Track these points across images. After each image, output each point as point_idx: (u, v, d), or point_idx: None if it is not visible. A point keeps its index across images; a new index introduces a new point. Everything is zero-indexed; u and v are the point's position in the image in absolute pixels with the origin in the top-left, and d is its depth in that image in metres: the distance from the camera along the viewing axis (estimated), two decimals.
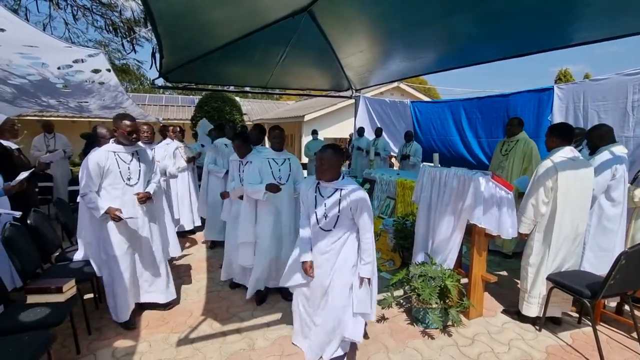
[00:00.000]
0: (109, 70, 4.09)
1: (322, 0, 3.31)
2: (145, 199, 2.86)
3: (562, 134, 2.83)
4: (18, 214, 2.70)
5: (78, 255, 3.05)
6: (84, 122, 13.93)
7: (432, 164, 4.22)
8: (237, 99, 13.37)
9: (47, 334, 1.95)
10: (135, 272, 2.91)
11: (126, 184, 2.79)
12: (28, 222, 2.94)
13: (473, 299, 3.04)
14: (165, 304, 3.11)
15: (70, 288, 2.36)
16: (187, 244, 5.01)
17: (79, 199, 2.85)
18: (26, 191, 3.18)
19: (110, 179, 2.73)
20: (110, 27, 11.54)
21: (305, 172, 8.91)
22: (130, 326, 2.84)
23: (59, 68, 3.77)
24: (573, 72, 20.41)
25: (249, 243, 3.23)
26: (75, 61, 3.60)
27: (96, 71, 4.02)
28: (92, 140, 6.47)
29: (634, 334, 2.75)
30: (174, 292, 3.19)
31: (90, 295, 3.17)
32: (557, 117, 4.77)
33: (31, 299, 2.27)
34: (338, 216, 2.29)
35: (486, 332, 2.91)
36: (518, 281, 3.23)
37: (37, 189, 4.56)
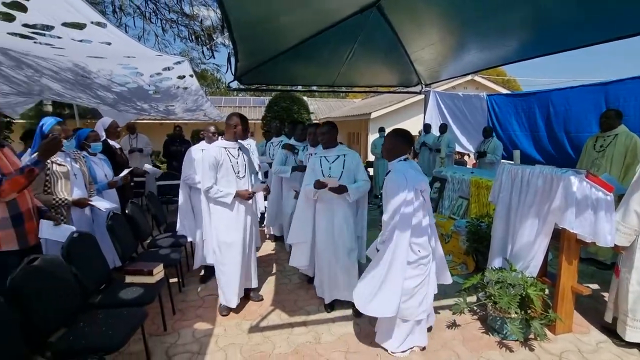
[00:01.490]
0: (191, 76, 4.45)
1: None
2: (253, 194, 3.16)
3: None
4: (114, 206, 3.09)
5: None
6: (169, 123, 15.46)
7: (512, 162, 3.87)
8: (305, 98, 13.71)
9: (142, 310, 2.21)
10: (246, 260, 3.13)
11: (236, 176, 3.04)
12: (126, 212, 3.35)
13: (560, 312, 2.72)
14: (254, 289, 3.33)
15: (159, 272, 2.64)
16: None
17: (202, 195, 3.01)
18: (124, 185, 3.61)
19: (222, 172, 2.98)
20: (193, 36, 12.64)
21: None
22: (223, 313, 3.07)
23: (150, 76, 4.22)
24: None
25: (300, 244, 3.22)
26: (164, 69, 3.99)
27: (181, 77, 4.41)
28: (172, 139, 7.16)
29: None
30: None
31: (175, 280, 3.50)
32: None
33: (128, 279, 2.59)
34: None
35: (576, 350, 2.59)
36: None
37: (132, 184, 5.17)
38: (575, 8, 2.92)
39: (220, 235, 2.99)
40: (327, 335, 2.76)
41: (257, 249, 4.13)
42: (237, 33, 3.41)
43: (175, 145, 6.79)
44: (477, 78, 12.73)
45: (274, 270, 4.03)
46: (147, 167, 5.38)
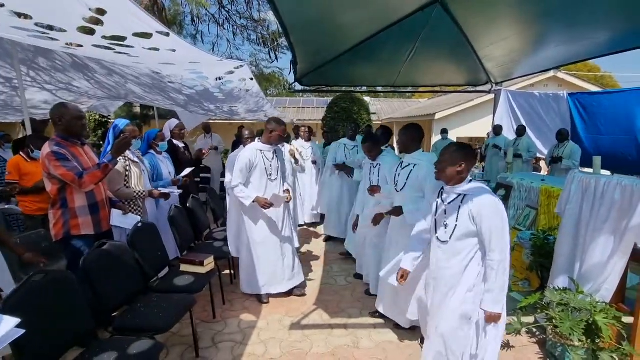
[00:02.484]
0: (251, 79, 4.71)
1: None
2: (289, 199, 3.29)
3: None
4: (179, 191, 3.41)
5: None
6: (237, 123, 16.45)
7: (590, 170, 3.43)
8: (367, 99, 13.58)
9: (191, 297, 2.40)
10: (278, 259, 3.29)
11: (268, 178, 3.18)
12: (187, 205, 3.64)
13: (638, 347, 2.34)
14: (297, 288, 3.43)
15: (209, 263, 2.83)
16: (309, 237, 5.38)
17: (227, 190, 3.34)
18: (187, 182, 3.94)
19: (256, 173, 3.14)
20: (260, 40, 13.30)
21: None
22: (264, 300, 3.27)
23: (216, 79, 4.55)
24: None
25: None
26: (227, 73, 4.27)
27: (242, 80, 4.69)
28: (238, 139, 7.61)
29: None
30: (302, 276, 3.50)
31: (227, 272, 3.73)
32: None
33: (183, 267, 2.82)
34: (456, 225, 1.95)
35: None
36: None
37: (197, 179, 5.60)
38: None
39: (252, 233, 3.17)
40: (367, 341, 2.71)
41: (297, 249, 4.21)
42: (294, 37, 3.48)
43: (239, 145, 7.24)
44: (561, 74, 11.46)
45: (321, 271, 4.08)
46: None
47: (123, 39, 2.49)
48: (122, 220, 2.59)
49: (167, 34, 2.43)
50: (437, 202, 2.11)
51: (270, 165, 3.18)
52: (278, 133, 3.13)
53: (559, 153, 5.70)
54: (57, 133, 2.29)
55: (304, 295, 3.44)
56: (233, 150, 7.52)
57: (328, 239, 5.14)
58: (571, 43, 3.90)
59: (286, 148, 5.33)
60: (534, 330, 2.79)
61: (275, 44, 11.66)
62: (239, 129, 7.55)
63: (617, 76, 22.43)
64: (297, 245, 4.21)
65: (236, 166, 3.08)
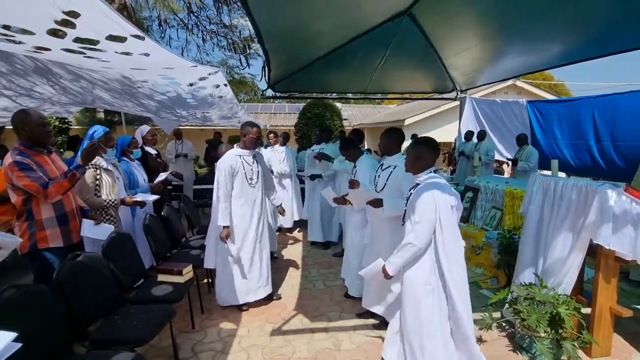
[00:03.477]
0: (225, 85, 4.67)
1: (422, 0, 3.19)
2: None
3: None
4: (156, 197, 3.31)
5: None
6: (209, 129, 16.16)
7: (548, 172, 3.69)
8: (338, 105, 13.79)
9: (171, 307, 2.36)
10: (256, 265, 3.26)
11: (249, 184, 3.17)
12: (162, 214, 3.56)
13: (597, 335, 2.55)
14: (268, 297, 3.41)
15: (188, 272, 2.78)
16: (286, 242, 5.38)
17: (215, 198, 3.16)
18: (161, 188, 3.85)
19: (238, 179, 3.13)
20: (231, 46, 13.18)
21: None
22: (243, 308, 3.24)
23: (188, 85, 4.48)
24: None
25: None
26: (200, 79, 4.22)
27: (216, 86, 4.64)
28: (214, 145, 7.51)
29: None
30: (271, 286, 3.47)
31: (205, 281, 3.67)
32: None
33: (160, 277, 2.76)
34: (406, 210, 2.20)
35: None
36: None
37: (170, 187, 5.47)
38: (617, 7, 2.76)
39: (230, 241, 3.10)
40: (347, 343, 2.77)
41: (272, 254, 4.19)
42: (269, 44, 3.53)
43: (215, 151, 7.11)
44: (519, 83, 12.19)
45: (299, 276, 4.10)
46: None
47: (95, 42, 2.42)
48: (94, 231, 2.50)
49: (143, 38, 2.39)
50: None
51: (251, 170, 3.18)
52: (252, 136, 3.14)
53: (518, 156, 6.07)
54: (20, 141, 2.18)
55: (279, 298, 3.47)
56: (208, 156, 7.45)
57: (312, 244, 5.21)
58: (528, 54, 4.19)
59: (265, 153, 5.35)
60: (504, 324, 2.95)
61: (248, 50, 11.60)
62: (215, 134, 7.45)
63: (568, 84, 24.06)
64: (274, 248, 4.22)
65: (219, 176, 3.06)
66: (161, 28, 12.30)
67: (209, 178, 6.53)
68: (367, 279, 2.45)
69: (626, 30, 3.13)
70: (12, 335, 1.15)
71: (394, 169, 2.80)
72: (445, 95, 6.91)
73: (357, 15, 3.37)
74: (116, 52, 2.70)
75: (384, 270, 2.15)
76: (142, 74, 3.81)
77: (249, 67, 20.51)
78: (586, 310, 2.66)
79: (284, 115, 17.69)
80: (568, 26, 3.30)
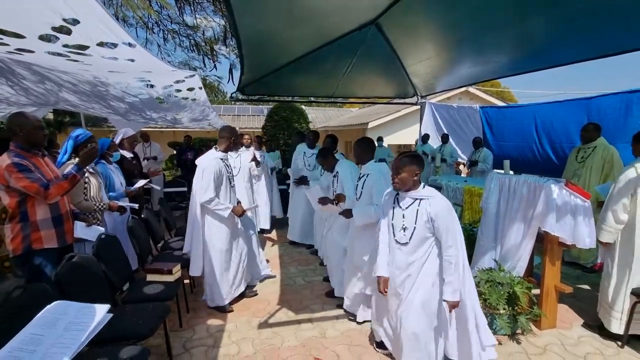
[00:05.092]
0: (200, 88, 4.72)
1: (388, 13, 3.47)
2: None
3: None
4: (136, 205, 3.31)
5: (185, 249, 3.37)
6: (168, 131, 15.70)
7: (502, 171, 4.15)
8: (302, 107, 14.01)
9: (165, 304, 2.43)
10: (237, 267, 3.36)
11: (230, 186, 3.29)
12: (142, 216, 3.57)
13: (545, 309, 2.97)
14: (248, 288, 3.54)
15: (177, 271, 2.86)
16: (263, 243, 5.49)
17: (200, 203, 3.10)
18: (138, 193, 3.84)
19: (222, 182, 3.19)
20: (194, 47, 12.94)
21: None
22: (227, 309, 3.30)
23: (163, 87, 4.48)
24: None
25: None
26: (176, 82, 4.25)
27: (191, 89, 4.68)
28: (184, 148, 7.42)
29: None
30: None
31: (187, 281, 3.71)
32: None
33: (150, 277, 2.81)
34: (415, 228, 2.15)
35: (559, 343, 2.84)
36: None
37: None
38: (562, 28, 3.24)
39: (217, 243, 3.19)
40: (332, 331, 2.98)
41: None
42: (246, 49, 3.65)
43: (185, 154, 7.03)
44: (471, 89, 13.13)
45: (279, 274, 4.25)
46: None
47: (85, 47, 2.45)
48: (86, 232, 2.51)
49: (134, 45, 2.46)
50: (393, 208, 2.30)
51: (231, 173, 3.30)
52: (235, 140, 3.27)
53: (476, 157, 6.64)
54: (16, 143, 2.18)
55: (256, 294, 3.63)
56: (179, 160, 7.31)
57: (291, 243, 5.39)
58: (480, 65, 4.69)
59: (246, 153, 5.38)
60: None
61: (214, 52, 11.46)
62: (185, 137, 7.35)
63: (513, 91, 26.16)
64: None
65: (206, 180, 3.06)
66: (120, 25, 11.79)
67: (179, 181, 6.47)
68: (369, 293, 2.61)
69: (561, 47, 3.66)
70: (106, 307, 1.28)
71: (367, 177, 2.95)
72: (407, 100, 7.39)
73: (328, 24, 3.59)
74: (103, 57, 2.73)
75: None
76: (118, 76, 3.80)
77: (215, 69, 20.09)
78: (535, 291, 3.09)
79: (248, 117, 17.61)
80: (514, 42, 3.80)
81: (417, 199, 2.19)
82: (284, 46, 4.09)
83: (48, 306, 1.28)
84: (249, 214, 3.57)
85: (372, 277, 2.47)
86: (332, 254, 3.53)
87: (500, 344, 2.81)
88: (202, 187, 3.06)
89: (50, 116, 11.48)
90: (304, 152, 5.35)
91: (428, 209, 2.12)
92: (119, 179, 3.52)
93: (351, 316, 3.17)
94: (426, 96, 7.06)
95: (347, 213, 2.95)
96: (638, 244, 2.64)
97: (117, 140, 4.01)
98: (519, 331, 2.92)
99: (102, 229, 2.68)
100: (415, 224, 2.16)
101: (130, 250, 3.06)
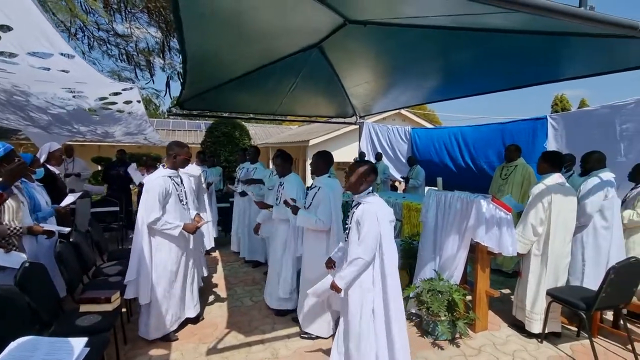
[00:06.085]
0: (139, 102, 4.47)
1: (331, 38, 3.67)
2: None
3: (553, 162, 3.17)
4: (65, 230, 2.97)
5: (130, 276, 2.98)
6: (92, 145, 14.39)
7: (436, 188, 4.53)
8: (243, 123, 13.87)
9: (104, 336, 2.21)
10: (184, 290, 3.17)
11: (182, 206, 3.11)
12: (71, 240, 3.22)
13: (478, 313, 3.27)
14: (194, 318, 3.33)
15: (116, 299, 2.61)
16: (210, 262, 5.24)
17: (146, 225, 2.88)
18: (66, 212, 3.47)
19: (171, 201, 2.99)
20: (124, 56, 12.15)
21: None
22: (172, 338, 3.07)
23: (95, 100, 4.15)
24: (570, 96, 21.02)
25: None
26: (112, 94, 3.98)
27: (128, 102, 4.40)
28: (113, 164, 6.82)
29: (630, 346, 2.97)
30: (199, 306, 3.43)
31: (123, 310, 3.39)
32: (553, 144, 5.14)
33: (84, 307, 2.52)
34: (350, 227, 2.37)
35: (491, 343, 3.13)
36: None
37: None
38: (474, 63, 3.73)
39: (168, 266, 3.00)
40: (284, 350, 2.94)
41: (202, 278, 4.14)
42: (190, 64, 3.57)
43: (116, 170, 6.46)
44: (403, 111, 14.16)
45: (225, 295, 4.09)
46: (87, 186, 5.09)
47: (14, 55, 2.21)
48: (6, 259, 2.20)
49: (73, 57, 2.29)
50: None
51: (182, 191, 3.15)
52: (183, 156, 3.11)
53: (410, 175, 7.15)
54: None
55: (203, 318, 3.47)
56: (107, 176, 6.67)
57: (245, 261, 5.26)
58: (413, 90, 5.18)
59: (193, 170, 5.13)
60: (411, 317, 3.51)
61: (151, 64, 10.86)
62: (119, 152, 6.75)
63: (438, 114, 28.70)
64: (205, 274, 4.08)
65: (150, 199, 2.87)
66: None
67: (110, 200, 5.94)
68: (316, 296, 2.58)
69: (480, 78, 4.21)
70: (84, 340, 1.19)
71: (317, 190, 3.11)
72: (347, 120, 7.75)
73: (274, 45, 3.69)
74: (32, 66, 2.49)
75: (334, 285, 2.28)
76: (44, 86, 3.46)
77: (153, 82, 18.94)
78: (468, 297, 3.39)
79: (184, 132, 16.89)
80: (442, 72, 4.29)
81: (359, 202, 2.38)
82: (228, 63, 4.08)
83: (13, 343, 1.11)
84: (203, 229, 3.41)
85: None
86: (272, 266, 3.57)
87: (442, 349, 3.02)
88: (147, 207, 2.86)
89: None
90: (247, 169, 5.31)
91: (358, 213, 2.31)
92: (43, 198, 3.14)
93: (304, 333, 3.17)
94: (364, 116, 7.47)
95: (295, 209, 3.12)
96: (550, 251, 3.06)
97: (44, 156, 3.59)
98: (457, 336, 3.17)
99: (23, 256, 2.36)
100: (350, 224, 2.38)
101: (57, 278, 2.73)
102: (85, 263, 3.29)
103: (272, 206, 3.65)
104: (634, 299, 3.01)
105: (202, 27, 2.89)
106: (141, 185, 6.92)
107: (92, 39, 12.00)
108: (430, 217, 3.58)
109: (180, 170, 3.21)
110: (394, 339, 2.32)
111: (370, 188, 2.42)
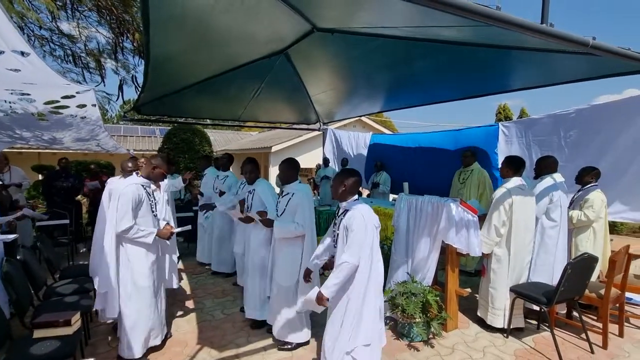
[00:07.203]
0: (94, 106, 4.15)
1: (297, 45, 3.66)
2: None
3: (516, 166, 3.38)
4: (14, 236, 2.68)
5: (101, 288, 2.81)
6: (32, 153, 13.20)
7: (403, 193, 4.65)
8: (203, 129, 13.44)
9: None
10: (160, 302, 2.99)
11: (153, 215, 2.94)
12: (18, 257, 2.89)
13: (450, 312, 3.39)
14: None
15: (76, 321, 2.37)
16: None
17: (117, 234, 2.72)
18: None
19: (142, 210, 2.84)
20: (70, 58, 11.29)
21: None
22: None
23: (45, 103, 3.79)
24: (511, 105, 22.76)
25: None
26: (64, 97, 3.65)
27: (81, 106, 4.06)
28: (57, 173, 6.25)
29: (583, 335, 3.22)
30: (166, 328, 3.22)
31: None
32: (504, 150, 5.49)
33: (38, 333, 2.26)
34: (338, 234, 2.39)
35: (463, 341, 3.25)
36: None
37: None
38: (437, 73, 3.93)
39: (136, 278, 2.81)
40: None
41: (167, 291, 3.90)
42: (151, 66, 3.39)
43: (60, 181, 5.92)
44: (364, 119, 14.50)
45: (193, 309, 3.88)
46: (29, 212, 4.62)
47: None
48: None
49: (28, 54, 2.07)
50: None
51: (153, 200, 2.97)
52: (162, 171, 3.08)
53: (377, 180, 7.29)
54: None
55: (171, 336, 3.27)
56: (49, 187, 6.08)
57: (214, 274, 5.07)
58: (374, 98, 5.38)
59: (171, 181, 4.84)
60: (387, 320, 3.54)
61: (101, 66, 10.17)
62: (61, 160, 6.19)
63: (394, 121, 29.76)
64: (175, 285, 3.83)
65: (123, 207, 2.70)
66: None
67: (58, 212, 5.44)
68: (305, 309, 2.56)
69: (437, 89, 4.45)
70: None
71: (292, 196, 3.07)
72: (310, 126, 7.78)
73: (239, 50, 3.64)
74: None
75: (319, 296, 2.24)
76: None
77: (104, 84, 17.71)
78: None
79: (137, 138, 16.02)
80: (400, 81, 4.49)
81: (345, 209, 2.41)
82: (191, 67, 3.95)
83: None
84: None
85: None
86: (249, 276, 3.46)
87: (418, 350, 3.08)
88: (118, 215, 2.68)
89: None
90: (217, 176, 5.13)
91: (345, 219, 2.33)
92: None
93: (281, 344, 3.08)
94: (328, 123, 7.55)
95: (268, 222, 3.11)
96: (513, 251, 3.26)
97: None
98: (431, 336, 3.25)
99: None
100: (338, 230, 2.40)
101: (3, 299, 2.44)
102: (35, 282, 2.97)
103: (260, 218, 3.32)
104: (586, 291, 3.27)
105: (170, 28, 2.78)
106: (95, 194, 6.40)
107: (32, 38, 11.07)
108: (402, 222, 3.67)
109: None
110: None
111: (357, 195, 2.46)
